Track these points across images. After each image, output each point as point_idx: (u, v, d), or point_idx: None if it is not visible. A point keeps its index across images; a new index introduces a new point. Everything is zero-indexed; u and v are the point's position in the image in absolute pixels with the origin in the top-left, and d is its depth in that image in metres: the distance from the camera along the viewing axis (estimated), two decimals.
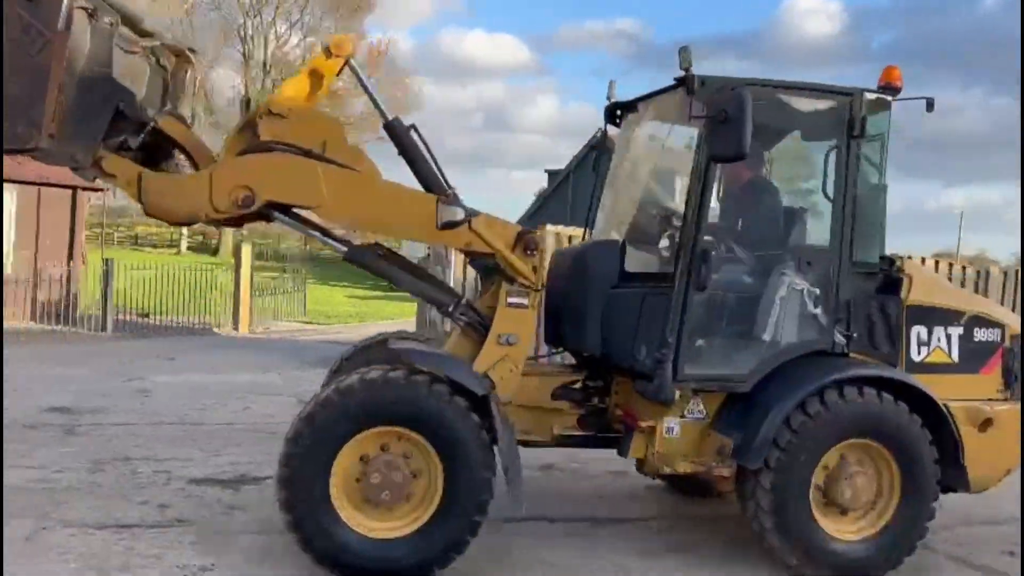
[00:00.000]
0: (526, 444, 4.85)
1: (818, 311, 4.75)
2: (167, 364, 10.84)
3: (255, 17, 44.45)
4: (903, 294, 4.86)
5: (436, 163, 4.61)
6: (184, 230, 45.92)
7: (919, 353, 4.89)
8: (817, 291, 4.75)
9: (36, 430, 6.89)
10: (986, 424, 4.87)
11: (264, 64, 45.07)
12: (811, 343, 4.77)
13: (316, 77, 4.58)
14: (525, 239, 4.60)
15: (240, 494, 5.65)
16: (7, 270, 13.36)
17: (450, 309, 4.78)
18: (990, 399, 4.95)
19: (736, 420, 4.66)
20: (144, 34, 4.41)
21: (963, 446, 4.75)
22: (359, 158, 4.48)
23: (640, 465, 4.98)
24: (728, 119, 4.30)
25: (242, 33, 45.09)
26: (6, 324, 11.27)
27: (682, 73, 4.58)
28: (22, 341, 11.60)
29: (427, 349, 4.80)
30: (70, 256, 14.13)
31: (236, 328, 15.29)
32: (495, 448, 4.20)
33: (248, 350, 12.83)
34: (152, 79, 4.53)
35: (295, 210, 4.47)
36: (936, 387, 4.72)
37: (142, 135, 4.28)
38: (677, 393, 4.53)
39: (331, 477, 4.11)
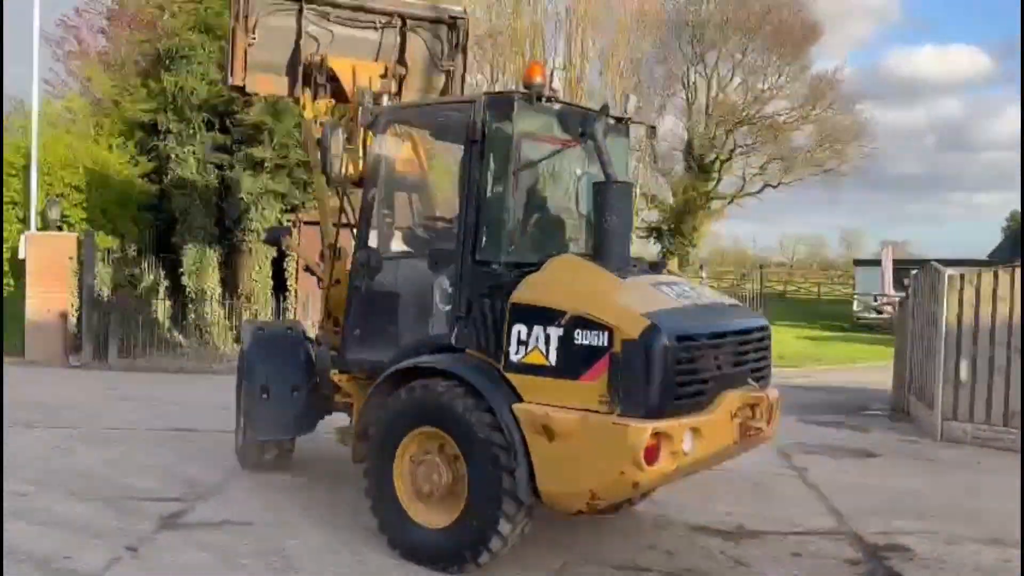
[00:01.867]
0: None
1: (447, 308, 5.11)
2: None
3: (698, 64, 45.67)
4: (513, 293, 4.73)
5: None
6: None
7: (517, 353, 4.63)
8: (449, 289, 5.09)
9: None
10: (548, 433, 4.43)
11: (706, 108, 45.99)
12: (438, 338, 5.12)
13: None
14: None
15: (740, 547, 5.56)
16: None
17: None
18: (587, 409, 4.37)
19: None
20: (380, 12, 7.51)
21: (525, 452, 4.52)
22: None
23: None
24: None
25: (685, 81, 46.60)
26: None
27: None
28: None
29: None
30: None
31: None
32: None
33: None
34: (396, 43, 7.56)
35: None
36: (533, 390, 4.57)
37: (324, 74, 7.07)
38: (335, 373, 5.86)
39: None
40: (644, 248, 55.34)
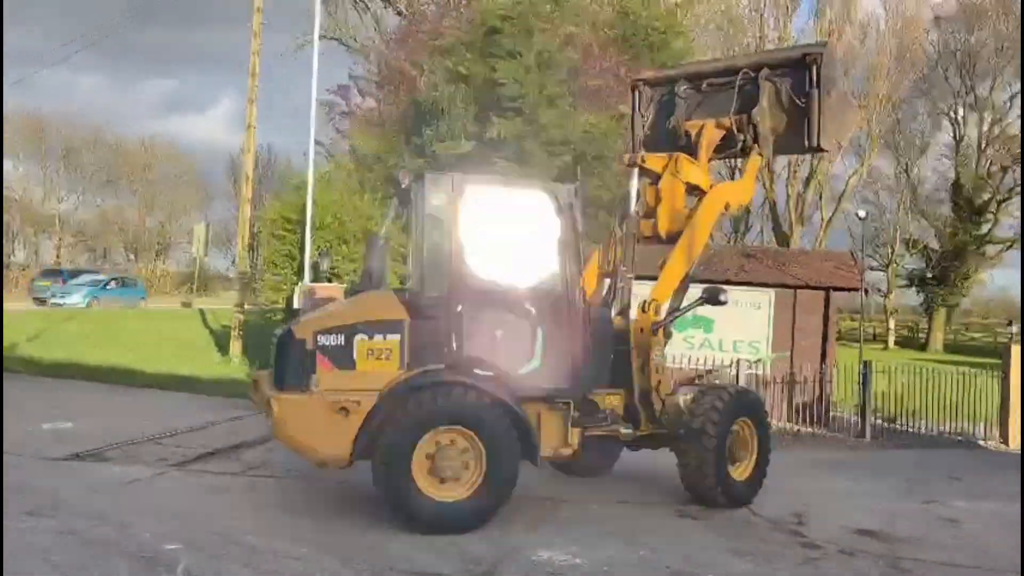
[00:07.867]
0: None
1: None
2: (957, 486, 9.57)
3: (967, 95, 41.51)
4: None
5: None
6: (891, 325, 44.34)
7: None
8: None
9: (854, 557, 6.34)
10: None
11: (978, 143, 41.61)
12: None
13: None
14: None
15: None
16: (766, 371, 13.85)
17: None
18: None
19: None
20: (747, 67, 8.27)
21: None
22: None
23: None
24: None
25: (952, 115, 42.53)
26: None
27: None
28: (783, 444, 11.53)
29: None
30: (823, 357, 14.06)
31: (1005, 442, 13.25)
32: None
33: None
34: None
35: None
36: None
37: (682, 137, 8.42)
38: None
39: None
40: (903, 296, 50.52)
